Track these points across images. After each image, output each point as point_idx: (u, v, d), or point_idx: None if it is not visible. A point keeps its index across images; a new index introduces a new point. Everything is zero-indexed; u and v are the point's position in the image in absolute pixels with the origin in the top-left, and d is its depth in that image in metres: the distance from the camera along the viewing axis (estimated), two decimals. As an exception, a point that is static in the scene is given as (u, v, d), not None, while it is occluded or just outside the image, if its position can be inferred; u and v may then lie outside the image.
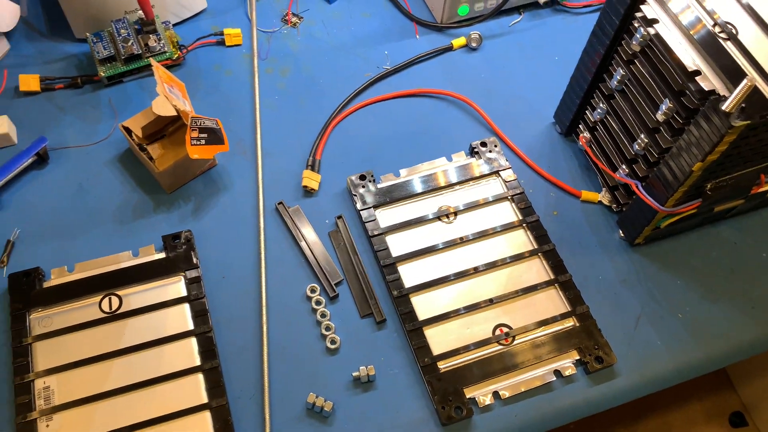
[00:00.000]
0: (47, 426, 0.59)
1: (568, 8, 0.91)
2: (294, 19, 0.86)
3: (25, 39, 0.83)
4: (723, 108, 0.52)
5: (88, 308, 0.65)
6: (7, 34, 0.81)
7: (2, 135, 0.73)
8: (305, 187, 0.73)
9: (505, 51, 0.88)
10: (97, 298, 0.65)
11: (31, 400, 0.60)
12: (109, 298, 0.65)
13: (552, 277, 0.68)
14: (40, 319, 0.64)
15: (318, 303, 0.67)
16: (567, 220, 0.73)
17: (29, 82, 0.77)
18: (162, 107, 0.65)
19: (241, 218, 0.72)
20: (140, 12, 0.78)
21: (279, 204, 0.72)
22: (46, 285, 0.66)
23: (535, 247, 0.70)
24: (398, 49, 0.86)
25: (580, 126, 0.76)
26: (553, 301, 0.67)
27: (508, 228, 0.71)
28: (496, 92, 0.83)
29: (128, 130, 0.71)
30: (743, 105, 0.52)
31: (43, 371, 0.61)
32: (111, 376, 0.62)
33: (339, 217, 0.71)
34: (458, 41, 0.87)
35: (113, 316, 0.64)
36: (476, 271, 0.68)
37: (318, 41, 0.86)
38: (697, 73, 0.57)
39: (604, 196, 0.74)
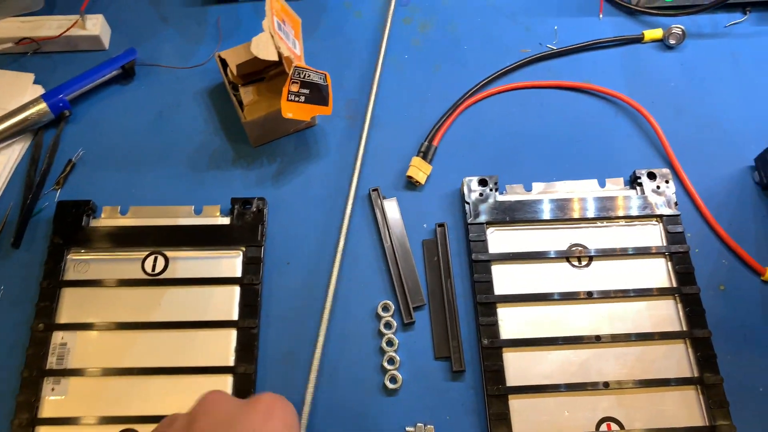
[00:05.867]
0: (52, 389, 0.53)
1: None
2: (453, -38, 0.71)
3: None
4: None
5: (129, 263, 0.57)
6: None
7: (92, 36, 0.65)
8: (410, 177, 0.60)
9: (712, 58, 0.71)
10: (142, 255, 0.57)
11: (45, 354, 0.53)
12: (155, 257, 0.57)
13: (696, 374, 0.51)
14: (77, 263, 0.57)
15: (388, 326, 0.54)
16: (736, 302, 0.56)
17: (136, -23, 0.68)
18: (262, 48, 0.53)
19: (325, 196, 0.61)
20: None
21: (373, 190, 0.59)
22: (93, 224, 0.59)
23: (685, 329, 0.52)
24: (572, 26, 0.72)
25: (791, 182, 0.56)
26: (689, 408, 0.50)
27: (654, 295, 0.54)
28: (686, 109, 0.67)
29: (224, 63, 0.60)
30: None
31: (65, 324, 0.55)
32: (135, 351, 0.54)
33: (440, 225, 0.58)
34: (652, 33, 0.70)
35: (153, 280, 0.57)
36: (598, 340, 0.52)
37: (476, -5, 0.71)
38: None
39: (802, 283, 0.55)
